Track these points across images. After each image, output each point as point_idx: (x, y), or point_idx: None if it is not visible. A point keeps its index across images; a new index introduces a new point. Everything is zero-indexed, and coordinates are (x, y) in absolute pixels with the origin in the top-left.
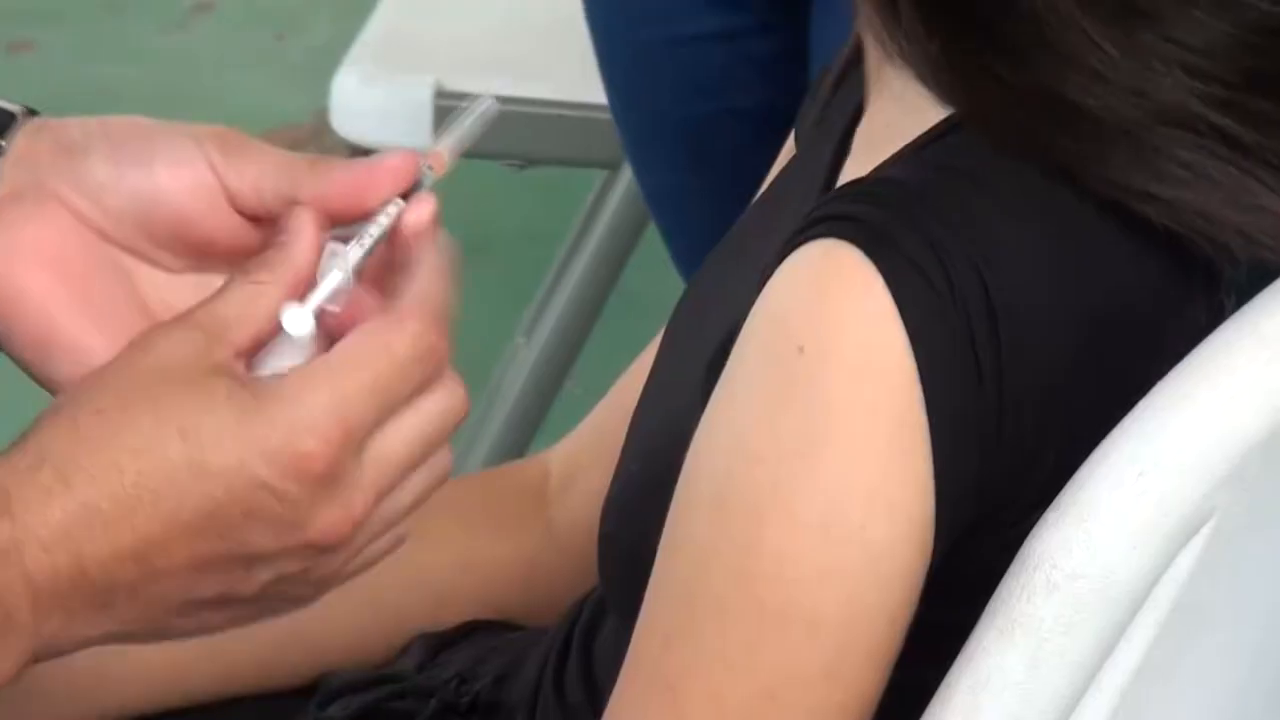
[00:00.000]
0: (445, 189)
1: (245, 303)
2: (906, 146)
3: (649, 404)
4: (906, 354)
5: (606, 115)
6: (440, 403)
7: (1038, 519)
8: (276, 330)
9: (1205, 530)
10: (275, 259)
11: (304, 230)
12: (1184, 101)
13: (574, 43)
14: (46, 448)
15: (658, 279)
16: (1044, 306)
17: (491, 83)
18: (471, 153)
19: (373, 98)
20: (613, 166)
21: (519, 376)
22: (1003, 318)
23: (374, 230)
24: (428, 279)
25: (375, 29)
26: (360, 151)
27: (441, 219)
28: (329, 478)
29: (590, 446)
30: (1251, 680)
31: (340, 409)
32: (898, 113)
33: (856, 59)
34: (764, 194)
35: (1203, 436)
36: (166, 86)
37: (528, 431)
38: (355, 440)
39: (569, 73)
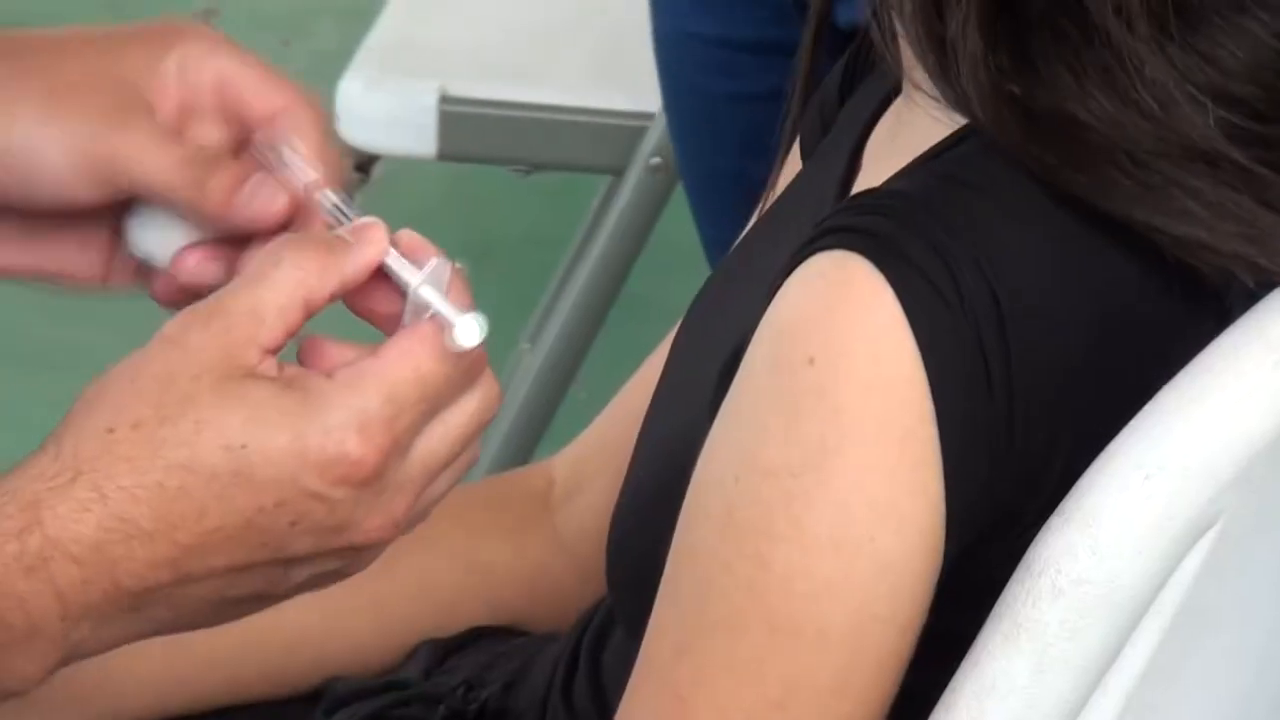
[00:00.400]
0: (450, 195)
1: (285, 292)
2: (917, 158)
3: (659, 412)
4: (916, 365)
5: (611, 120)
6: (480, 400)
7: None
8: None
9: (1211, 534)
10: (332, 257)
11: (374, 241)
12: (1210, 138)
13: (579, 48)
14: (81, 460)
15: (663, 284)
16: (1052, 312)
17: (497, 88)
18: (477, 158)
19: (378, 103)
20: (617, 172)
21: (524, 382)
22: (1011, 323)
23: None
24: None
25: (380, 35)
26: (366, 156)
27: (449, 224)
28: (376, 481)
29: (596, 453)
30: (1257, 684)
31: (389, 413)
32: (911, 126)
33: (859, 73)
34: (773, 206)
35: (1208, 440)
36: None
37: (533, 437)
38: (403, 444)
39: (574, 78)
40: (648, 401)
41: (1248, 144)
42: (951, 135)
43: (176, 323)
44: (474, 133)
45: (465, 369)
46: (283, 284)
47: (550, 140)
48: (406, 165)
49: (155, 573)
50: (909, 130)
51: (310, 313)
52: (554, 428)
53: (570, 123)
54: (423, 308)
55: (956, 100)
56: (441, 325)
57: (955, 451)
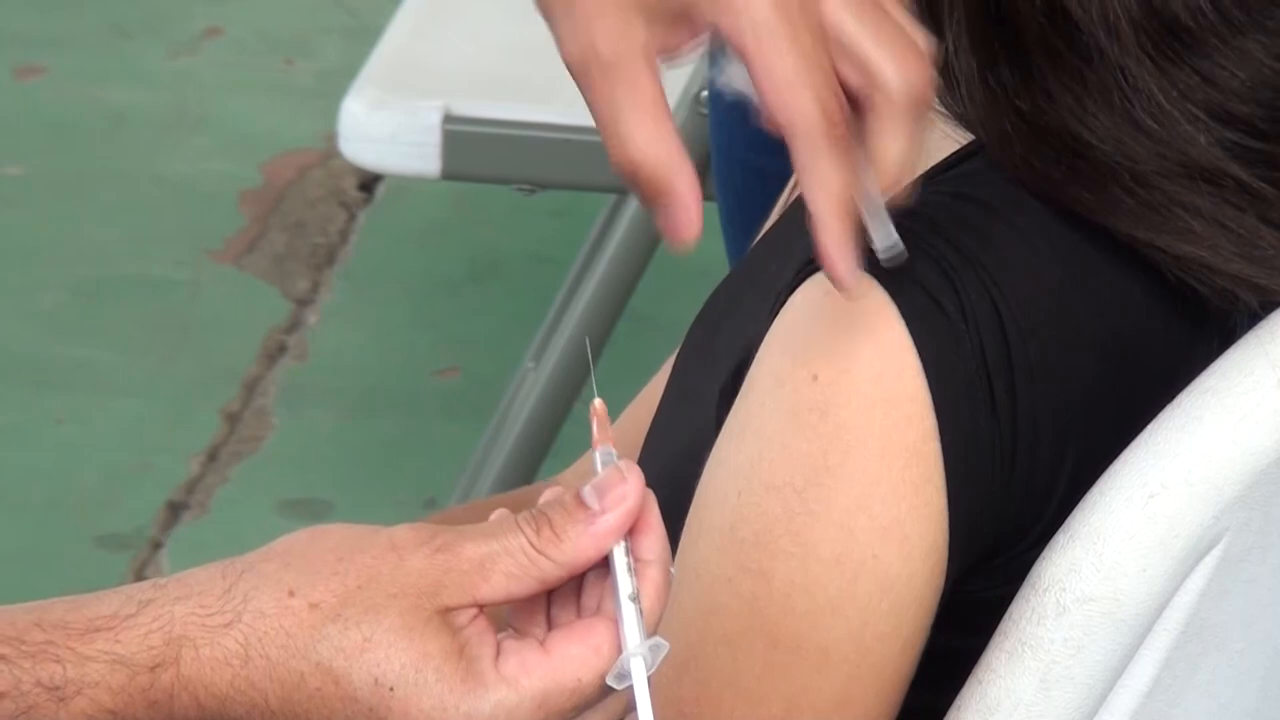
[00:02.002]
0: (454, 214)
1: (512, 560)
2: (924, 174)
3: (663, 429)
4: (920, 383)
5: None
6: (622, 700)
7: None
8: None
9: (1215, 552)
10: (568, 545)
11: (601, 538)
12: (1212, 156)
13: None
14: (248, 609)
15: (667, 302)
16: (1057, 330)
17: (501, 107)
18: (481, 178)
19: (381, 122)
20: (621, 191)
21: (528, 400)
22: (1016, 341)
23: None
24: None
25: (384, 54)
26: (370, 176)
27: (453, 243)
28: None
29: None
30: (1262, 701)
31: (537, 717)
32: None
33: None
34: (778, 221)
35: (1212, 458)
36: (176, 110)
37: (538, 456)
38: None
39: (578, 97)
40: (648, 419)
41: (1250, 162)
42: (958, 151)
43: (412, 534)
44: (478, 152)
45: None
46: (518, 554)
47: (554, 159)
48: (410, 184)
49: None
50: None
51: (545, 588)
52: (558, 446)
53: (574, 142)
54: (616, 615)
55: (961, 117)
56: (620, 644)
57: (959, 469)
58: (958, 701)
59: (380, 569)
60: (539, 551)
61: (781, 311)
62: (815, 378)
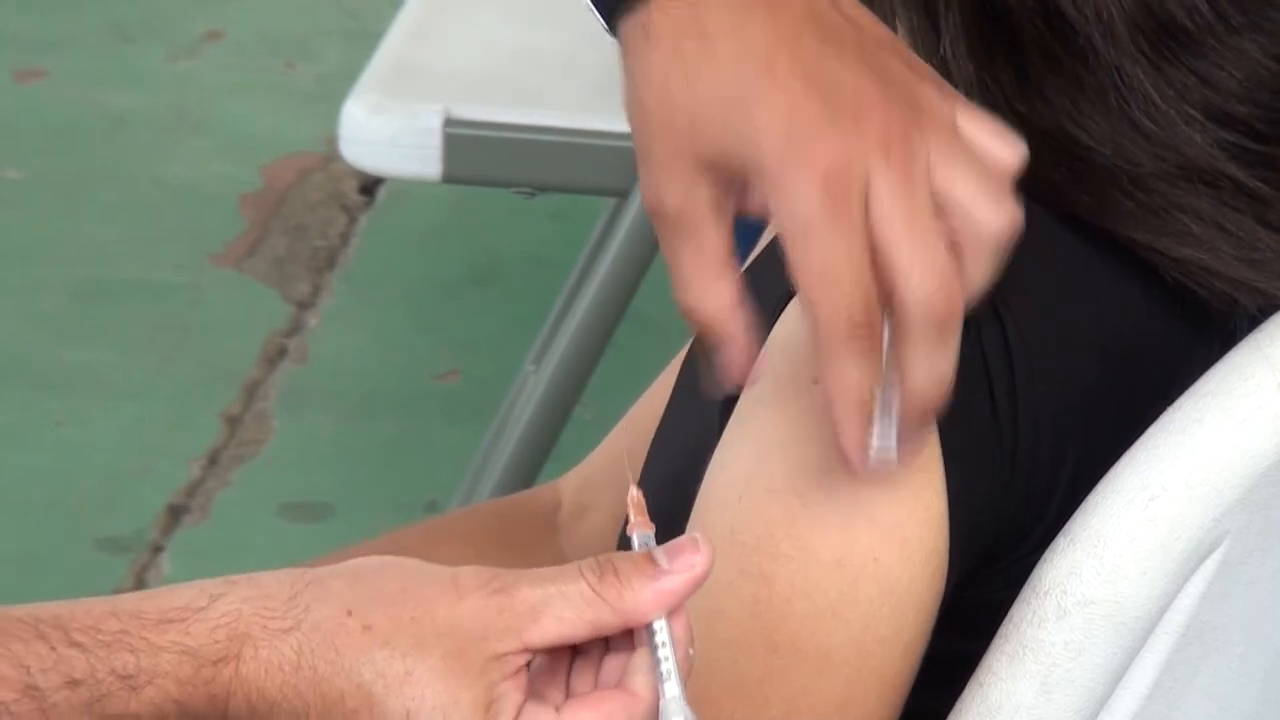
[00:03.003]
0: (455, 217)
1: (567, 604)
2: None
3: (666, 433)
4: None
5: (616, 142)
6: None
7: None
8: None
9: (1216, 555)
10: (630, 594)
11: (664, 595)
12: (1209, 157)
13: (583, 70)
14: (308, 620)
15: (668, 304)
16: (1057, 334)
17: (501, 110)
18: (481, 181)
19: (382, 126)
20: (622, 193)
21: (529, 403)
22: (1016, 345)
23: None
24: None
25: (385, 57)
26: (370, 179)
27: (453, 246)
28: None
29: (602, 475)
30: (1262, 704)
31: None
32: None
33: None
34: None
35: (1213, 461)
36: (176, 114)
37: (539, 459)
38: None
39: (579, 100)
40: (655, 422)
41: (1248, 164)
42: None
43: (474, 574)
44: (478, 155)
45: None
46: (574, 599)
47: (555, 162)
48: (411, 188)
49: None
50: None
51: (596, 634)
52: (560, 449)
53: (575, 145)
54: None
55: None
56: (630, 700)
57: (959, 473)
58: (958, 705)
59: (437, 605)
60: (598, 595)
61: (782, 316)
62: (816, 381)
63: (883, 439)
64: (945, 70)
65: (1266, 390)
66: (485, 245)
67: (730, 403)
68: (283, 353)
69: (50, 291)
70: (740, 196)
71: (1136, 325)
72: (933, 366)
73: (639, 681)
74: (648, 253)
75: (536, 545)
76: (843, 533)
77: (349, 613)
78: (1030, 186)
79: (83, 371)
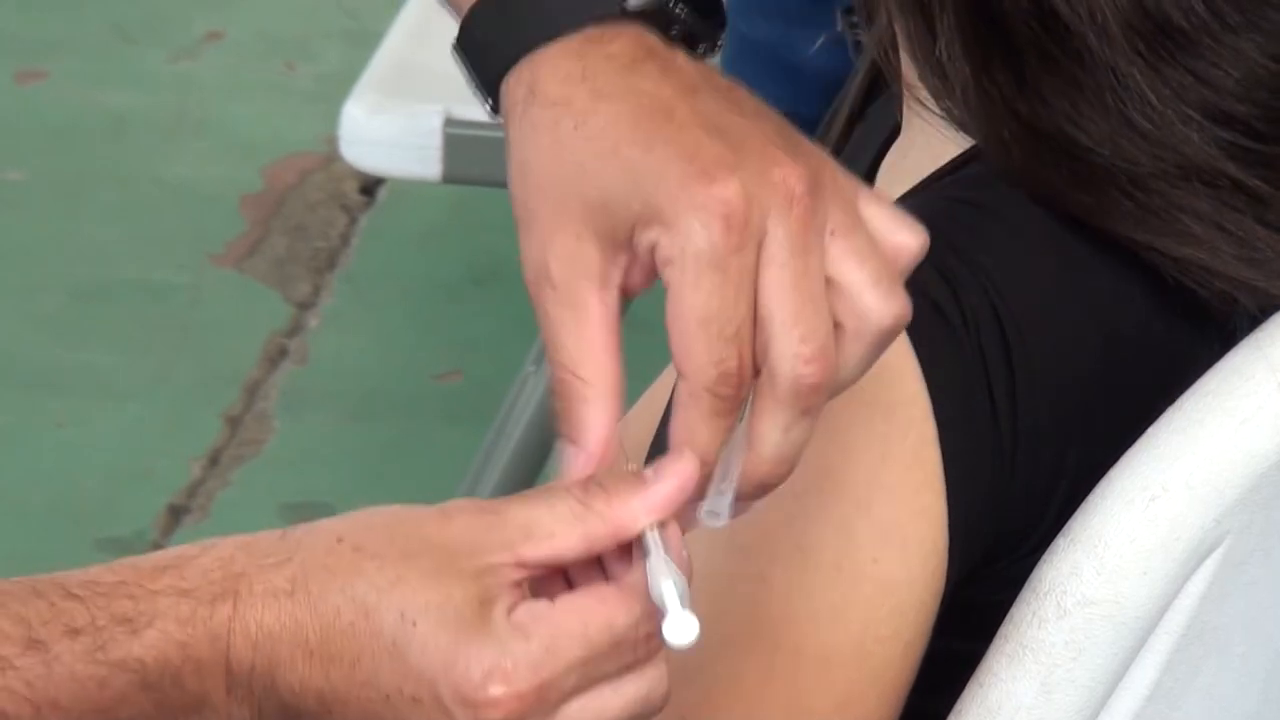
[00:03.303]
0: (455, 217)
1: (561, 523)
2: (925, 178)
3: (665, 434)
4: (920, 387)
5: None
6: (643, 688)
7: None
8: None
9: (1216, 555)
10: (618, 502)
11: (652, 500)
12: (1207, 156)
13: None
14: (299, 550)
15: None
16: (1057, 334)
17: None
18: (482, 181)
19: (382, 126)
20: None
21: (529, 405)
22: (1016, 346)
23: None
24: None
25: (385, 58)
26: (371, 179)
27: (454, 247)
28: None
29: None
30: (1263, 704)
31: (543, 668)
32: (922, 146)
33: (871, 95)
34: None
35: (1213, 461)
36: (177, 114)
37: (539, 460)
38: (549, 702)
39: None
40: (655, 422)
41: (1247, 163)
42: (960, 155)
43: (465, 501)
44: (479, 155)
45: (636, 653)
46: (563, 513)
47: None
48: (411, 188)
49: (304, 700)
50: (919, 150)
51: (589, 547)
52: (560, 450)
53: None
54: (651, 587)
55: (959, 121)
56: (624, 598)
57: (959, 473)
58: (959, 705)
59: (423, 526)
60: (587, 507)
61: None
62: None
63: (713, 505)
64: (942, 72)
65: (1267, 390)
66: (486, 246)
67: None
68: (283, 353)
69: (51, 292)
70: (627, 271)
71: (1137, 325)
72: (785, 441)
73: (635, 577)
74: None
75: None
76: (841, 534)
77: (339, 539)
78: (1030, 187)
79: (83, 372)
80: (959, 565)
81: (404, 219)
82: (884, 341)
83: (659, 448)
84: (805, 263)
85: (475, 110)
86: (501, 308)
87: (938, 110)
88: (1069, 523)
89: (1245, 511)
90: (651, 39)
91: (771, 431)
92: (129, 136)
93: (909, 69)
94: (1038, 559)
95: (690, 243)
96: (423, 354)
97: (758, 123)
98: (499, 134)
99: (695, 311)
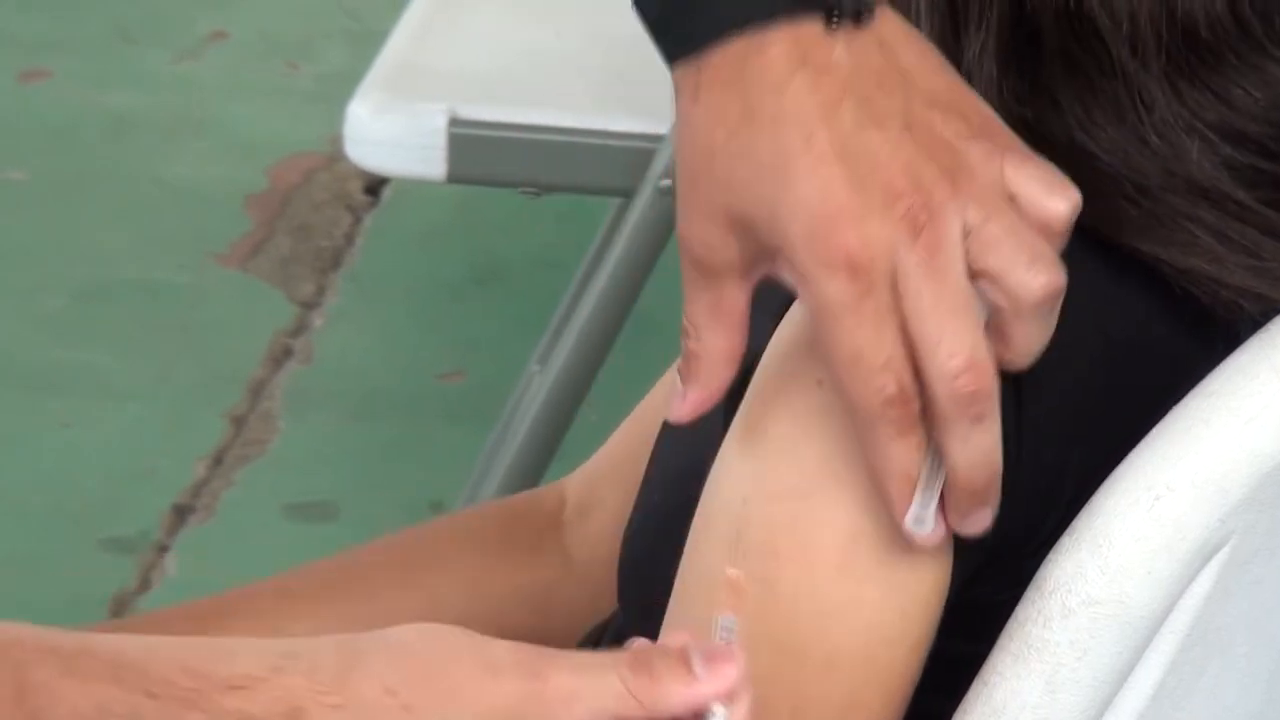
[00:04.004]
0: (460, 217)
1: (599, 700)
2: None
3: (670, 434)
4: None
5: (621, 143)
6: None
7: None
8: None
9: (1221, 555)
10: (661, 693)
11: (693, 701)
12: (1215, 178)
13: (589, 70)
14: (352, 695)
15: (674, 305)
16: (1060, 338)
17: (506, 110)
18: (486, 181)
19: (386, 126)
20: (627, 194)
21: (534, 404)
22: None
23: None
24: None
25: (389, 57)
26: (375, 179)
27: (458, 247)
28: None
29: (607, 474)
30: (1266, 705)
31: None
32: None
33: None
34: None
35: (1218, 461)
36: (180, 114)
37: (544, 459)
38: None
39: (584, 100)
40: (659, 422)
41: (1254, 184)
42: None
43: (511, 656)
44: (483, 155)
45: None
46: (606, 694)
47: (560, 162)
48: (416, 188)
49: None
50: None
51: None
52: (565, 449)
53: (580, 145)
54: None
55: None
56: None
57: None
58: (963, 705)
59: (468, 687)
60: (630, 693)
61: (785, 317)
62: (820, 383)
63: (916, 519)
64: (968, 76)
65: (1272, 390)
66: (490, 245)
67: (734, 403)
68: (288, 353)
69: (54, 292)
70: (771, 261)
71: (1139, 327)
72: (970, 447)
73: None
74: (653, 253)
75: (539, 548)
76: (847, 537)
77: (391, 692)
78: None
79: (87, 372)
80: (965, 565)
81: (408, 219)
82: (1043, 314)
83: (661, 448)
84: (938, 285)
85: (479, 110)
86: (506, 308)
87: None
88: (1073, 522)
89: (1250, 511)
90: (809, 35)
91: (952, 444)
92: (132, 136)
93: None
94: (1042, 559)
95: (820, 295)
96: (427, 353)
97: (897, 130)
98: (503, 134)
99: (842, 352)
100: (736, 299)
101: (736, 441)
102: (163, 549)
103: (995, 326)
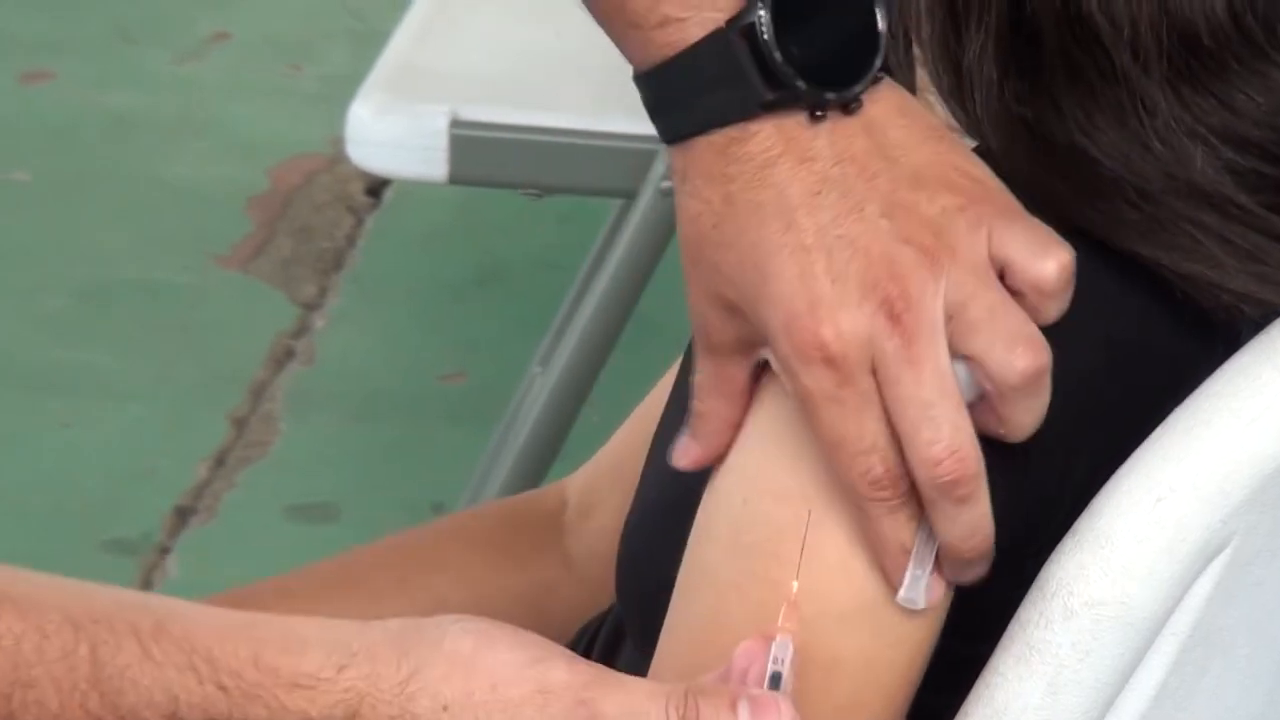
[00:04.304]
0: (461, 218)
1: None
2: None
3: (666, 433)
4: None
5: (623, 144)
6: None
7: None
8: None
9: (1223, 556)
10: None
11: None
12: (1216, 183)
13: (590, 72)
14: (408, 710)
15: (675, 306)
16: (1064, 339)
17: (508, 112)
18: (488, 183)
19: (389, 127)
20: (629, 195)
21: (536, 405)
22: None
23: None
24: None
25: (391, 59)
26: (377, 180)
27: (460, 248)
28: None
29: (608, 475)
30: (1268, 706)
31: None
32: None
33: None
34: None
35: (1220, 462)
36: (181, 115)
37: (545, 460)
38: None
39: (585, 102)
40: (645, 437)
41: (1256, 189)
42: None
43: (566, 677)
44: (485, 157)
45: None
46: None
47: (561, 164)
48: (417, 189)
49: None
50: None
51: None
52: (566, 451)
53: (581, 146)
54: None
55: (969, 124)
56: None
57: None
58: (965, 706)
59: (524, 710)
60: None
61: None
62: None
63: (909, 590)
64: (963, 75)
65: (1274, 391)
66: (491, 247)
67: None
68: (289, 354)
69: (55, 293)
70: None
71: (1142, 330)
72: (959, 524)
73: None
74: (654, 255)
75: (540, 546)
76: (849, 539)
77: (444, 708)
78: (1037, 195)
79: (88, 373)
80: None
81: (410, 220)
82: (1030, 392)
83: (660, 443)
84: (916, 372)
85: (481, 111)
86: (507, 309)
87: (944, 113)
88: (1076, 523)
89: (1252, 512)
90: (792, 127)
91: (942, 522)
92: (134, 137)
93: (920, 74)
94: (1044, 560)
95: (800, 385)
96: (429, 355)
97: (876, 213)
98: (504, 135)
99: (826, 437)
100: (737, 374)
101: (737, 443)
102: (164, 550)
103: (987, 405)
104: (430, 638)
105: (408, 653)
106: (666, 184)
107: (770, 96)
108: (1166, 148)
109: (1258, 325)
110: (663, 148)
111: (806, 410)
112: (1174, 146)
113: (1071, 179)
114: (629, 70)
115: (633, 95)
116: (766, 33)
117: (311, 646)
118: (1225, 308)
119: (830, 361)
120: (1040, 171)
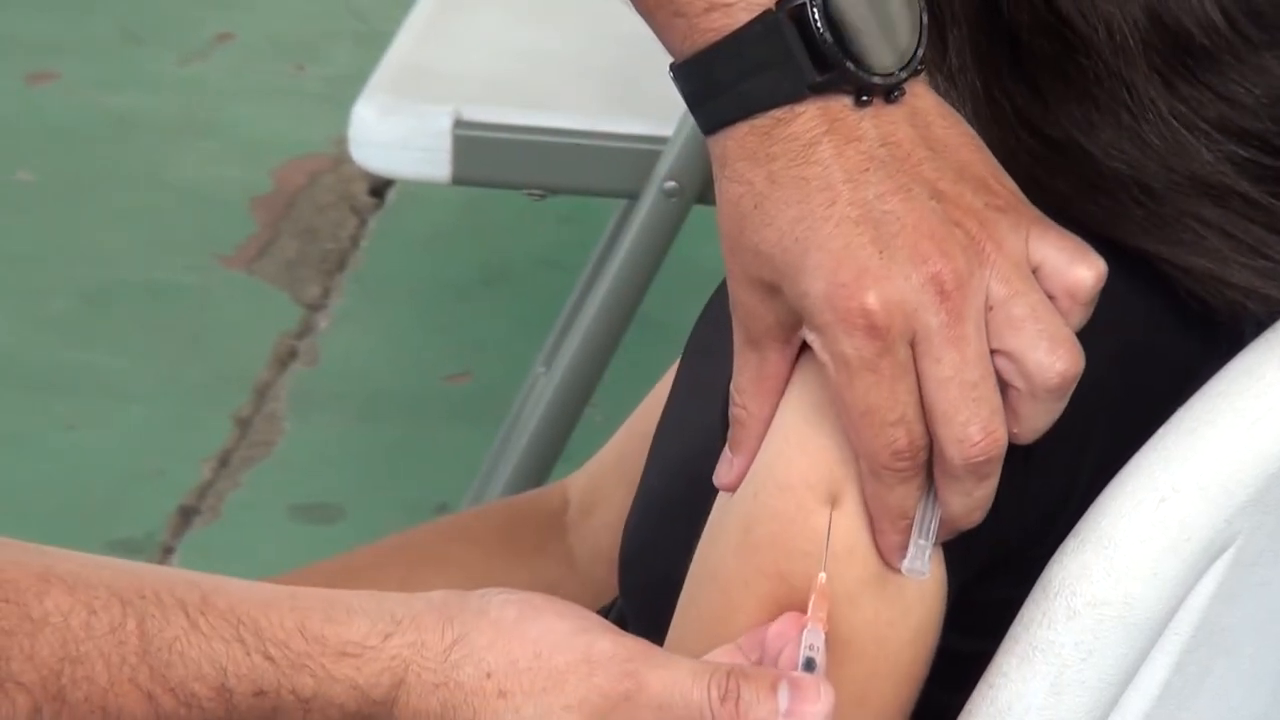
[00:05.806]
0: (465, 219)
1: (693, 711)
2: None
3: (672, 425)
4: None
5: (626, 144)
6: None
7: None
8: None
9: (1227, 556)
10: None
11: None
12: (1219, 174)
13: (593, 72)
14: (452, 677)
15: (677, 307)
16: (1080, 339)
17: (511, 112)
18: (491, 183)
19: (392, 128)
20: (632, 195)
21: (539, 404)
22: None
23: None
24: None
25: (395, 59)
26: (380, 181)
27: (463, 248)
28: None
29: (610, 473)
30: (1272, 706)
31: None
32: None
33: None
34: None
35: (1224, 462)
36: (187, 116)
37: (549, 459)
38: None
39: (589, 102)
40: (648, 431)
41: (1258, 179)
42: None
43: (611, 649)
44: (488, 157)
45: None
46: (693, 710)
47: (565, 164)
48: (421, 189)
49: None
50: None
51: None
52: (570, 450)
53: (585, 147)
54: None
55: (972, 120)
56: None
57: None
58: (969, 705)
59: (568, 678)
60: (714, 716)
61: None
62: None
63: (914, 560)
64: (951, 82)
65: (1277, 391)
66: (495, 247)
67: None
68: (293, 354)
69: (60, 294)
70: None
71: (1146, 329)
72: (972, 500)
73: None
74: (657, 255)
75: (543, 544)
76: (857, 531)
77: (488, 675)
78: (1039, 196)
79: (93, 374)
80: (972, 563)
81: (413, 220)
82: (1058, 396)
83: (666, 432)
84: (960, 353)
85: (484, 112)
86: (511, 309)
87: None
88: (1080, 523)
89: (1256, 512)
90: (837, 109)
91: (955, 498)
92: (139, 138)
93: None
94: (1048, 559)
95: (837, 350)
96: (432, 355)
97: (922, 198)
98: (508, 136)
99: (855, 406)
100: (779, 366)
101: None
102: (168, 550)
103: (1006, 402)
104: (474, 606)
105: (452, 620)
106: (669, 184)
107: (818, 78)
108: (1165, 142)
109: (1261, 325)
110: (665, 148)
111: (840, 378)
112: (1173, 140)
113: (1072, 177)
114: (632, 71)
115: (636, 96)
116: (817, 13)
117: (357, 615)
118: (1229, 304)
119: (873, 330)
120: (1039, 171)
